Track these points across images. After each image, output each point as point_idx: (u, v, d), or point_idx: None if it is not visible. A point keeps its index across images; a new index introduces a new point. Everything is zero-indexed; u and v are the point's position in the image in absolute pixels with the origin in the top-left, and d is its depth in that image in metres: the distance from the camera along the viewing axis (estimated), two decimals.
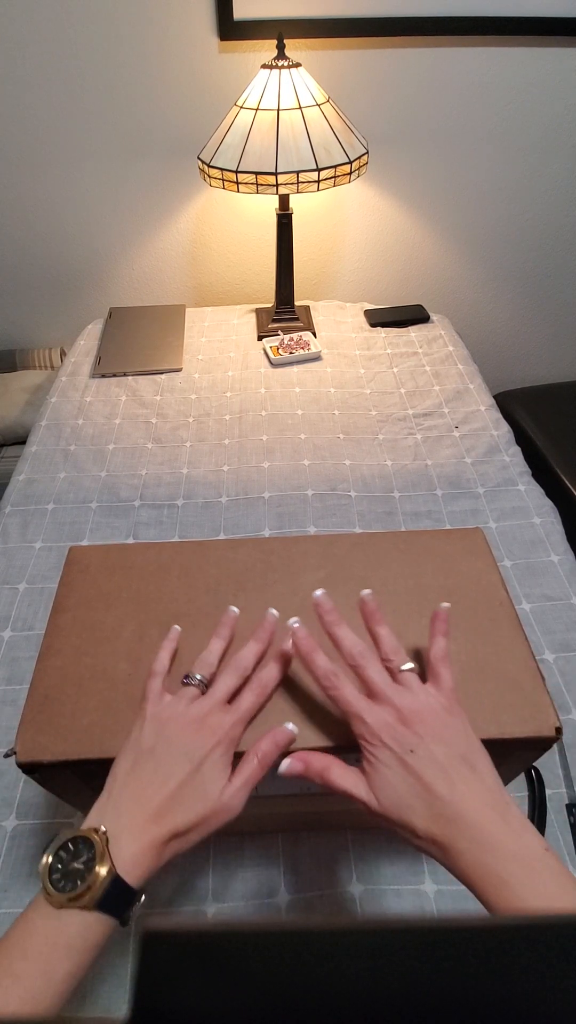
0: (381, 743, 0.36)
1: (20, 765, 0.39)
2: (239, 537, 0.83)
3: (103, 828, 0.34)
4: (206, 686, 0.41)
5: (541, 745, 0.41)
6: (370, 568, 0.49)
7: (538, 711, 0.41)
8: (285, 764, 0.38)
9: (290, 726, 0.40)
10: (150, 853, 0.34)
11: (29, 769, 0.40)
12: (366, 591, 0.42)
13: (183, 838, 0.35)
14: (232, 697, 0.40)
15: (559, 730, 0.40)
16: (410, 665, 0.39)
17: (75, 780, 0.42)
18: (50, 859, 0.33)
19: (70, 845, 0.33)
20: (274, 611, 0.44)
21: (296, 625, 0.42)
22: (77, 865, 0.32)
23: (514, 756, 0.42)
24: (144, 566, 0.50)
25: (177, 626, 0.44)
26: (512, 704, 0.41)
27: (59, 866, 0.32)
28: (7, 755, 0.40)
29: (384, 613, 0.42)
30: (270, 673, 0.42)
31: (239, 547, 0.51)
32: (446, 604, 0.43)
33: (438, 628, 0.42)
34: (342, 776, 0.37)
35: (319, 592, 0.42)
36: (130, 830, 0.34)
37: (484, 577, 0.48)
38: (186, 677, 0.41)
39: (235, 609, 0.45)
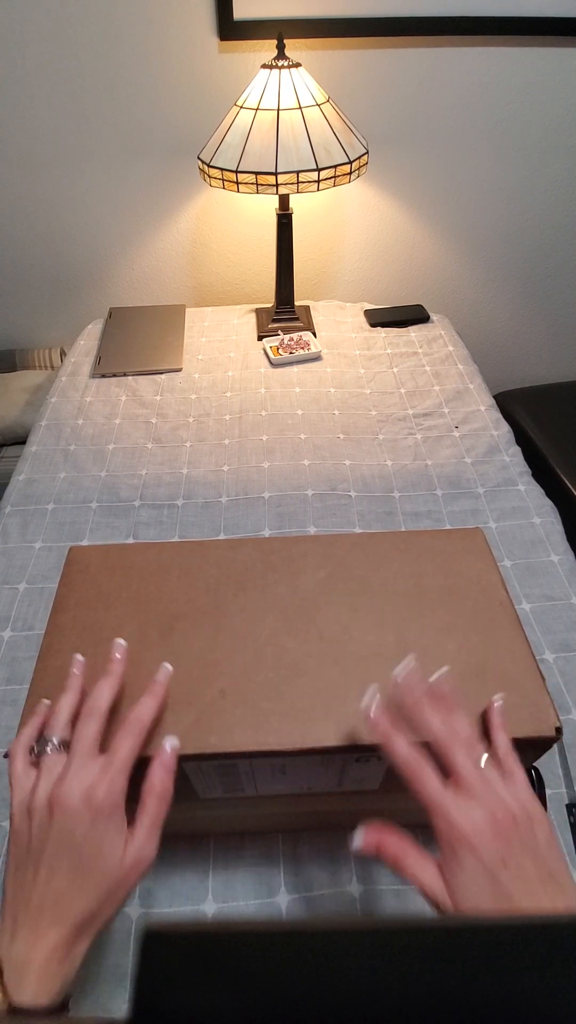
0: (470, 849, 0.32)
1: None
2: (239, 537, 0.83)
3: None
4: (67, 745, 0.37)
5: (541, 745, 0.41)
6: (370, 568, 0.49)
7: (538, 711, 0.41)
8: (358, 840, 0.35)
9: (168, 743, 0.37)
10: (57, 961, 0.30)
11: None
12: (442, 670, 0.40)
13: (92, 925, 0.32)
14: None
15: (559, 730, 0.40)
16: (486, 756, 0.36)
17: None
18: None
19: None
20: (168, 666, 0.41)
21: (374, 702, 0.38)
22: None
23: None
24: (144, 566, 0.50)
25: (46, 700, 0.40)
26: (512, 704, 0.41)
27: None
28: (7, 755, 0.40)
29: (385, 613, 0.42)
30: (143, 710, 0.37)
31: (239, 547, 0.51)
32: (499, 698, 0.40)
33: (496, 722, 0.38)
34: (418, 868, 0.33)
35: (401, 669, 0.38)
36: (28, 944, 0.30)
37: (484, 577, 0.48)
38: (38, 742, 0.36)
39: (168, 666, 0.42)
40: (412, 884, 0.34)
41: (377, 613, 0.45)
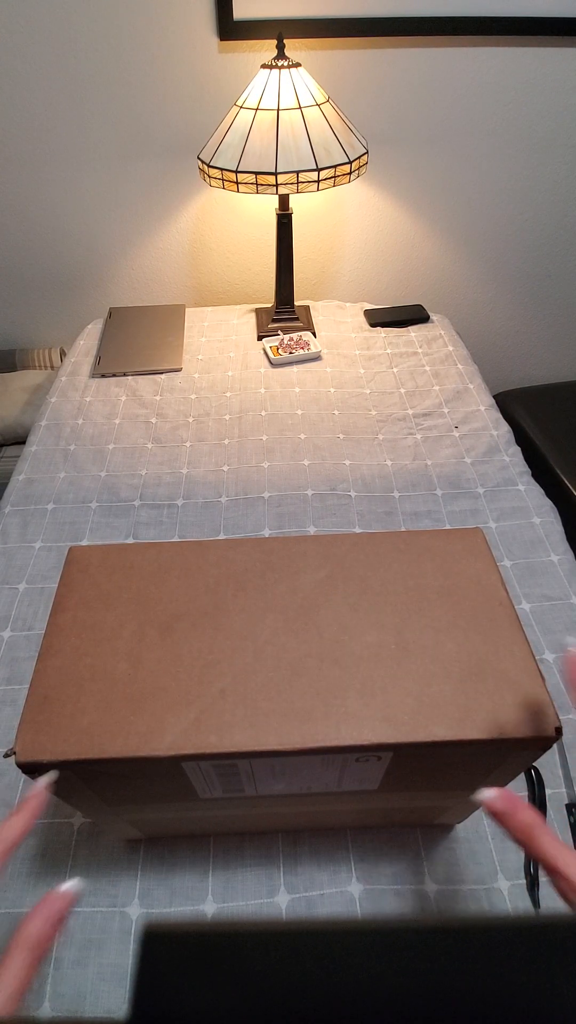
0: None
1: (20, 765, 0.39)
2: (239, 537, 0.83)
3: None
4: None
5: (541, 745, 0.41)
6: (370, 569, 0.49)
7: (538, 711, 0.41)
8: (488, 794, 0.33)
9: (65, 887, 0.31)
10: None
11: (29, 769, 0.40)
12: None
13: None
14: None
15: (559, 730, 0.40)
16: None
17: (75, 780, 0.42)
18: None
19: None
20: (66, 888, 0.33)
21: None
22: None
23: (513, 756, 0.42)
24: (144, 566, 0.50)
25: None
26: (512, 704, 0.41)
27: None
28: (7, 755, 0.40)
29: (385, 613, 0.42)
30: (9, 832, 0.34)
31: (239, 547, 0.51)
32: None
33: None
34: (555, 848, 0.31)
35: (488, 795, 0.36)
36: None
37: (484, 577, 0.48)
38: None
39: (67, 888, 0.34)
40: (542, 864, 0.32)
41: (377, 613, 0.46)
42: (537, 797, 0.59)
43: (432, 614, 0.45)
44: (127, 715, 0.40)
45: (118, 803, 0.45)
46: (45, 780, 0.38)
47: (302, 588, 0.47)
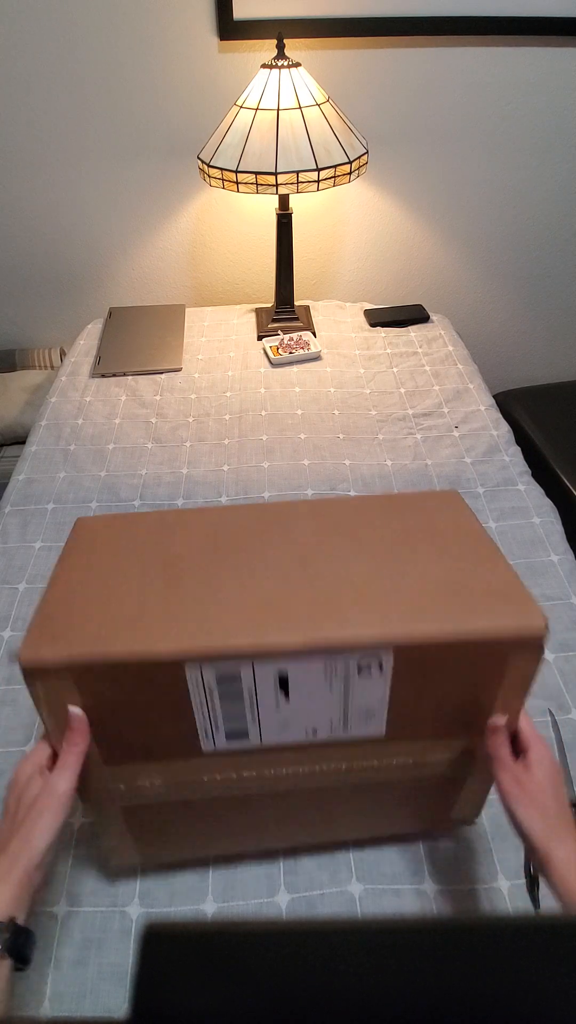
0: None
1: (24, 670, 0.39)
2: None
3: None
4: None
5: (533, 646, 0.41)
6: (360, 519, 0.51)
7: (525, 613, 0.42)
8: (499, 720, 0.44)
9: (74, 710, 0.42)
10: (19, 888, 0.38)
11: (31, 675, 0.40)
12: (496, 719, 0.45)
13: (28, 854, 0.39)
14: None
15: (547, 627, 0.41)
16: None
17: (75, 697, 0.41)
18: None
19: None
20: (75, 709, 0.42)
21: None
22: None
23: (511, 668, 0.42)
24: (148, 524, 0.52)
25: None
26: (499, 610, 0.42)
27: None
28: (13, 660, 0.42)
29: (376, 551, 0.47)
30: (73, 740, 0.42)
31: (237, 509, 0.53)
32: (498, 720, 0.45)
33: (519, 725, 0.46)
34: (503, 768, 0.43)
35: (500, 720, 0.45)
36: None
37: (463, 521, 0.51)
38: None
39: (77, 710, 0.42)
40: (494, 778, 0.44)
41: (369, 551, 0.47)
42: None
43: (419, 548, 0.48)
44: (130, 627, 0.41)
45: (118, 759, 0.45)
46: (76, 709, 0.42)
47: (299, 535, 0.49)
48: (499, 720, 0.44)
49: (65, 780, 0.41)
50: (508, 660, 0.42)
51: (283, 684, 0.42)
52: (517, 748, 0.45)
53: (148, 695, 0.41)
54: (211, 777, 0.47)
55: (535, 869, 0.54)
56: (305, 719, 0.44)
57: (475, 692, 0.44)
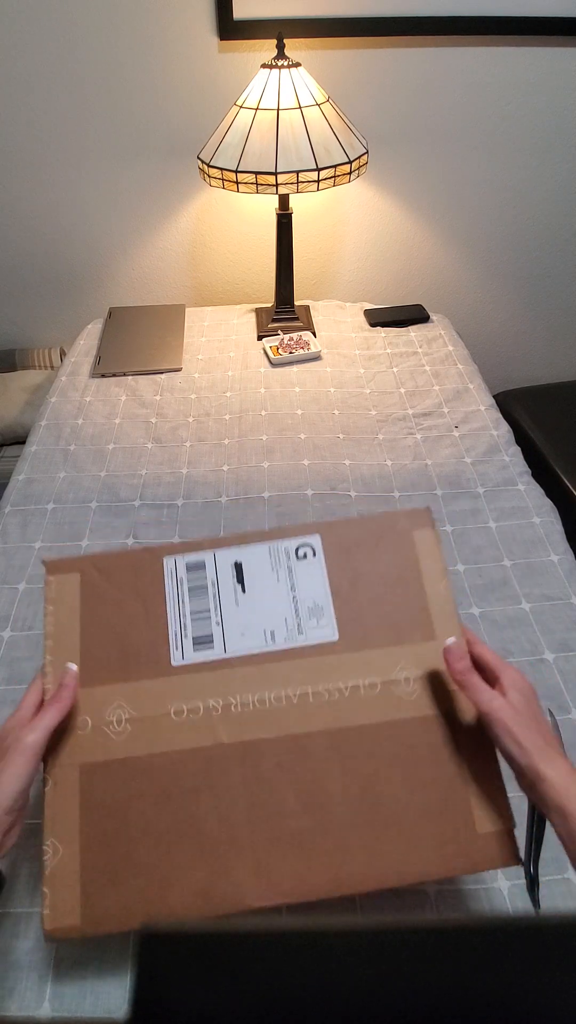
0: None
1: (46, 565, 0.51)
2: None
3: None
4: None
5: (423, 516, 0.54)
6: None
7: (416, 515, 0.53)
8: (450, 641, 0.46)
9: (72, 666, 0.47)
10: None
11: (50, 569, 0.51)
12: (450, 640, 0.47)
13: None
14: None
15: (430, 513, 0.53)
16: None
17: (77, 592, 0.51)
18: None
19: None
20: (72, 666, 0.48)
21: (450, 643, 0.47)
22: None
23: (415, 543, 0.52)
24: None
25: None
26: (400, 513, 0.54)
27: None
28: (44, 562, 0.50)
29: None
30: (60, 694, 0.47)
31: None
32: (448, 643, 0.47)
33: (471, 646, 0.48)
34: (481, 689, 0.44)
35: (451, 640, 0.47)
36: None
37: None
38: None
39: (73, 666, 0.48)
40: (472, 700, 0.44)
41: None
42: None
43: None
44: (125, 550, 0.56)
45: (92, 678, 0.49)
46: (73, 666, 0.48)
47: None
48: (449, 642, 0.46)
49: (38, 732, 0.43)
50: (412, 534, 0.52)
51: (239, 574, 0.50)
52: (489, 679, 0.45)
53: (134, 590, 0.50)
54: (178, 708, 0.47)
55: (535, 869, 0.54)
56: (261, 618, 0.49)
57: (401, 578, 0.50)
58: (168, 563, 0.50)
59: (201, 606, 0.49)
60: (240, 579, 0.50)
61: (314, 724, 0.46)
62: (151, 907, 0.41)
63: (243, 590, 0.50)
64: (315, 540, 0.51)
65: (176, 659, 0.48)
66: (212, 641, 0.49)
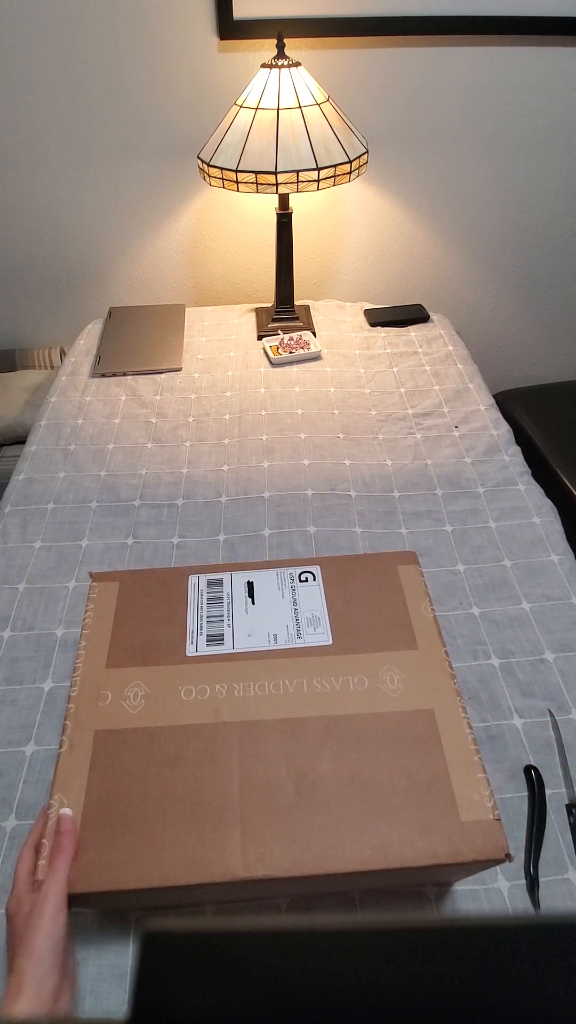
0: None
1: (92, 576, 0.60)
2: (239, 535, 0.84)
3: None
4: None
5: (409, 558, 0.63)
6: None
7: (401, 555, 0.62)
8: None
9: (65, 811, 0.45)
10: (33, 1002, 0.39)
11: (96, 579, 0.60)
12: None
13: (33, 965, 0.40)
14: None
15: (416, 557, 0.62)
16: None
17: (114, 597, 0.59)
18: None
19: None
20: (67, 811, 0.45)
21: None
22: None
23: (401, 575, 0.61)
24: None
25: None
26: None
27: None
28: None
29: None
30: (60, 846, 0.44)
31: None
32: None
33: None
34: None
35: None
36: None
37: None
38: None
39: (68, 811, 0.46)
40: None
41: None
42: (537, 797, 0.59)
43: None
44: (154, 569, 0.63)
45: (118, 662, 0.54)
46: (67, 811, 0.45)
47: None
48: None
49: (55, 889, 0.41)
50: (397, 568, 0.61)
51: (250, 590, 0.59)
52: None
53: (162, 598, 0.58)
54: (188, 689, 0.52)
55: (535, 869, 0.54)
56: (267, 624, 0.57)
57: (387, 600, 0.58)
58: (192, 580, 0.60)
59: (216, 612, 0.58)
60: (251, 594, 0.59)
61: (308, 711, 0.51)
62: (142, 869, 0.43)
63: (252, 602, 0.58)
64: (316, 569, 0.62)
65: (191, 651, 0.55)
66: (223, 639, 0.55)
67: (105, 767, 0.47)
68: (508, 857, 0.43)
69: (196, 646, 0.55)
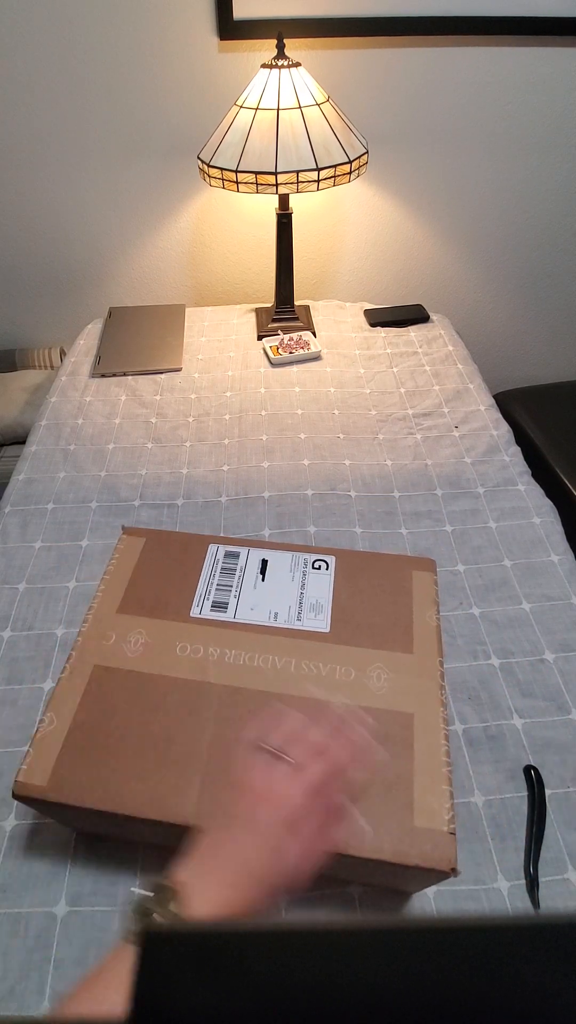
0: None
1: (124, 530, 0.66)
2: (239, 537, 0.84)
3: (183, 882, 0.35)
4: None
5: (425, 564, 0.63)
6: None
7: (416, 561, 0.62)
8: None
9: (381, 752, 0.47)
10: (222, 913, 0.35)
11: (128, 532, 0.66)
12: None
13: (253, 906, 0.36)
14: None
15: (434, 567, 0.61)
16: None
17: (138, 551, 0.64)
18: (138, 900, 0.34)
19: (156, 891, 0.35)
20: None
21: None
22: (158, 908, 0.33)
23: (413, 580, 0.61)
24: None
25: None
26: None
27: (145, 907, 0.34)
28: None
29: None
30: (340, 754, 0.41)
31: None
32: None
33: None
34: None
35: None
36: (204, 894, 0.35)
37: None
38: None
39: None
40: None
41: None
42: (537, 797, 0.59)
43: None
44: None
45: (128, 609, 0.58)
46: None
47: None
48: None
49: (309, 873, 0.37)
50: (411, 572, 0.61)
51: (263, 568, 0.62)
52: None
53: (179, 560, 0.62)
54: (183, 646, 0.55)
55: (535, 869, 0.54)
56: (271, 602, 0.59)
57: (394, 602, 0.58)
58: (212, 549, 0.63)
59: (226, 582, 0.61)
60: (263, 571, 0.62)
61: (289, 689, 0.53)
62: (107, 795, 0.46)
63: (263, 579, 0.61)
64: (330, 559, 0.63)
65: (194, 612, 0.58)
66: (226, 607, 0.58)
67: (96, 698, 0.52)
68: (454, 872, 0.43)
69: (200, 608, 0.58)
